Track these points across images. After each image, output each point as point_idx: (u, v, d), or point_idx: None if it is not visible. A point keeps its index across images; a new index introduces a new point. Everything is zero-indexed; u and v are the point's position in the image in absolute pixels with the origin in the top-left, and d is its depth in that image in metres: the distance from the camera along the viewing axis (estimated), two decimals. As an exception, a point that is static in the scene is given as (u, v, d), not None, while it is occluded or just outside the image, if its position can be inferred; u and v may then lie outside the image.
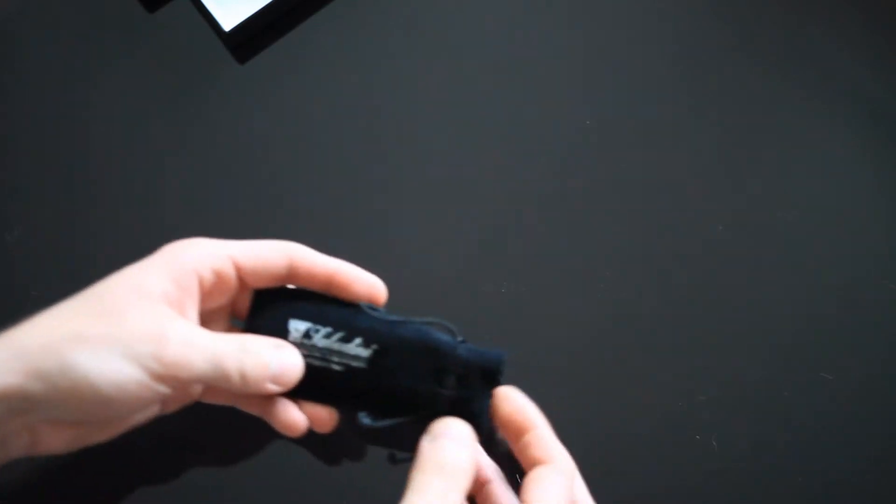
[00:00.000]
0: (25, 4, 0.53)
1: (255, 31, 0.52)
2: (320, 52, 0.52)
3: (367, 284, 0.35)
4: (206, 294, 0.33)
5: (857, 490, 0.44)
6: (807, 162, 0.51)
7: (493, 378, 0.35)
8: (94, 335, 0.28)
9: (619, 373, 0.46)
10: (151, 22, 0.52)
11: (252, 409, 0.36)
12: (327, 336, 0.35)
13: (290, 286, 0.37)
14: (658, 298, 0.47)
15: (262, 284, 0.35)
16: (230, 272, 0.33)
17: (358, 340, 0.35)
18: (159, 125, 0.50)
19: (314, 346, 0.35)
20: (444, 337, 0.36)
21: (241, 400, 0.36)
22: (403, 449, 0.35)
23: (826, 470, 0.44)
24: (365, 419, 0.35)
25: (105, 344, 0.28)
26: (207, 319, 0.35)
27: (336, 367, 0.35)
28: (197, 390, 0.35)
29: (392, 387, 0.35)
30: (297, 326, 0.35)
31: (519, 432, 0.33)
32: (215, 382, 0.31)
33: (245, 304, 0.36)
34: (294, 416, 0.35)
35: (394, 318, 0.37)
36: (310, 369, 0.35)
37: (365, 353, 0.35)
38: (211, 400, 0.36)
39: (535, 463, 0.33)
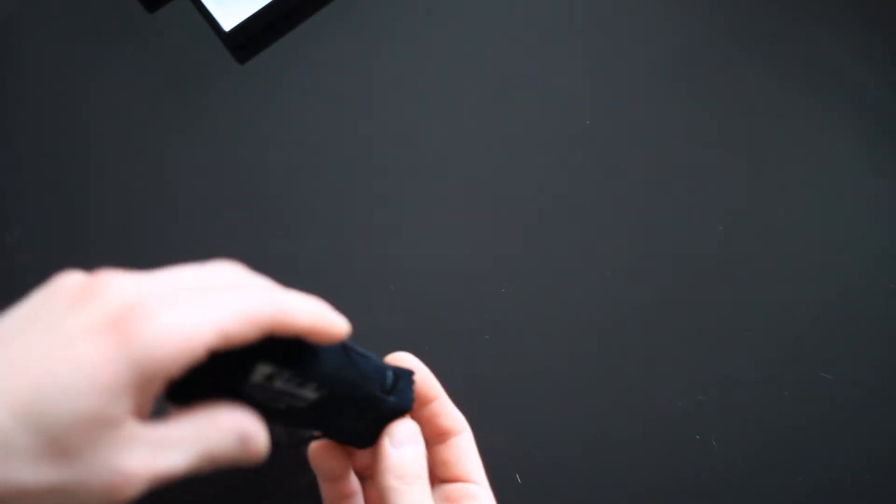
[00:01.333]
0: (25, 4, 0.52)
1: (255, 31, 0.52)
2: (320, 52, 0.52)
3: (333, 334, 0.31)
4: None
5: (857, 490, 0.44)
6: (807, 162, 0.51)
7: (399, 416, 0.34)
8: (46, 489, 0.24)
9: (619, 373, 0.46)
10: (151, 22, 0.52)
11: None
12: (288, 379, 0.32)
13: None
14: (658, 298, 0.47)
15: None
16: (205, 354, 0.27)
17: (312, 385, 0.33)
18: (159, 125, 0.50)
19: (271, 389, 0.32)
20: (380, 377, 0.34)
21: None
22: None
23: (826, 470, 0.44)
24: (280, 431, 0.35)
25: (57, 500, 0.25)
26: None
27: (280, 406, 0.32)
28: None
29: (320, 425, 0.34)
30: (264, 370, 0.31)
31: (422, 402, 0.34)
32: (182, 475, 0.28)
33: None
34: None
35: (344, 345, 0.34)
36: (251, 404, 0.31)
37: (312, 396, 0.33)
38: None
39: (444, 432, 0.33)
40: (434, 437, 0.34)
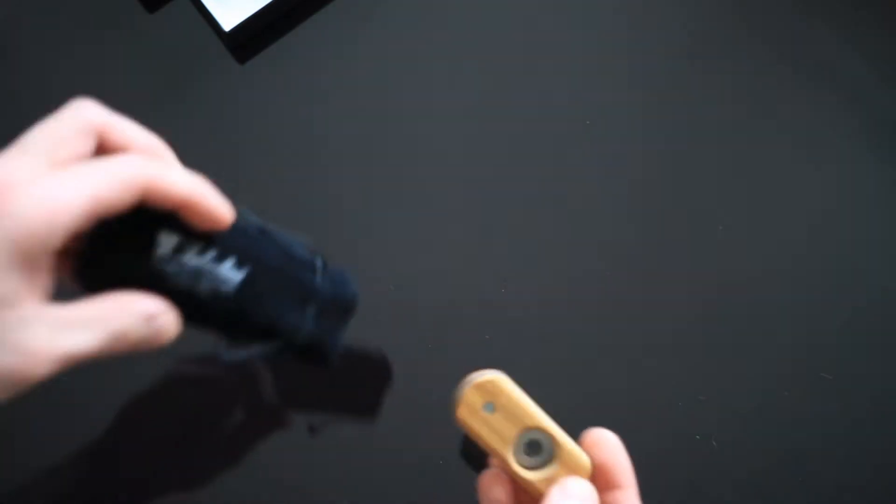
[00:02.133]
0: (25, 4, 0.53)
1: (255, 31, 0.52)
2: (320, 52, 0.52)
3: (215, 212, 0.31)
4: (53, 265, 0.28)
5: (856, 490, 0.44)
6: (807, 162, 0.51)
7: (347, 312, 0.36)
8: None
9: (620, 373, 0.46)
10: (151, 22, 0.52)
11: None
12: (200, 253, 0.31)
13: None
14: (658, 298, 0.47)
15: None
16: (85, 225, 0.27)
17: (231, 261, 0.32)
18: (159, 125, 0.50)
19: (184, 265, 0.30)
20: (307, 259, 0.35)
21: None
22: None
23: (826, 470, 0.44)
24: (224, 355, 0.33)
25: None
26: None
27: (203, 291, 0.31)
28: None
29: (257, 315, 0.33)
30: (168, 240, 0.30)
31: (609, 485, 0.32)
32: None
33: None
34: None
35: (261, 227, 0.35)
36: (174, 294, 0.30)
37: (236, 276, 0.32)
38: None
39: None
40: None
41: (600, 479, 0.32)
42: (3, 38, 0.52)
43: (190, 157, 0.50)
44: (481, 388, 0.32)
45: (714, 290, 0.48)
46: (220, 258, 0.32)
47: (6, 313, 0.25)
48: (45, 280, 0.27)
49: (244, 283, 0.32)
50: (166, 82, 0.51)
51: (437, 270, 0.47)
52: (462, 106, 0.51)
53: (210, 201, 0.31)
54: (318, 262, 0.36)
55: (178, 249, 0.31)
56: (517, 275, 0.47)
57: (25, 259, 0.25)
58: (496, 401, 0.32)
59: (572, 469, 0.32)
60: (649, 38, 0.54)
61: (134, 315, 0.28)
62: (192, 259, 0.31)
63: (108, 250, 0.29)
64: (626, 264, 0.48)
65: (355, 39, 0.52)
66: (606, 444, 0.32)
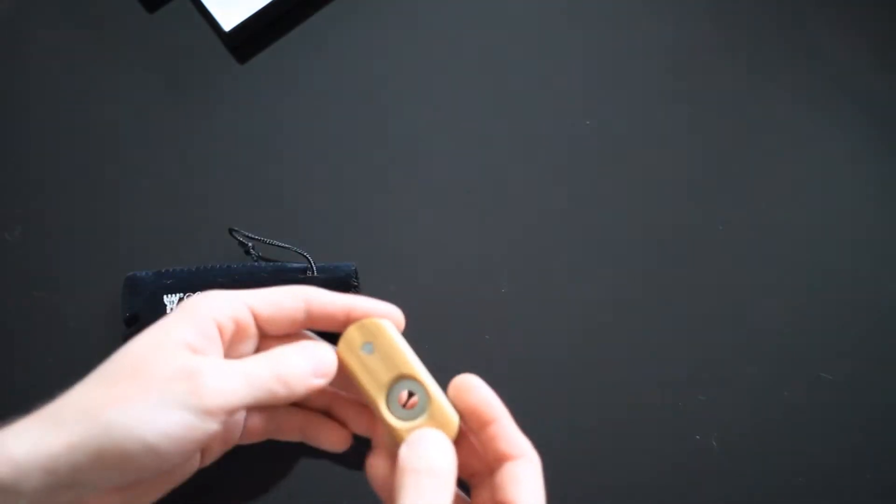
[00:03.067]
0: (26, 4, 0.53)
1: (255, 31, 0.52)
2: (320, 52, 0.52)
3: (384, 314, 0.34)
4: (227, 344, 0.32)
5: (856, 490, 0.44)
6: (807, 162, 0.51)
7: (348, 285, 0.43)
8: (126, 393, 0.28)
9: (620, 373, 0.46)
10: (151, 22, 0.52)
11: (292, 436, 0.35)
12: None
13: (163, 269, 0.43)
14: (658, 298, 0.47)
15: (279, 331, 0.34)
16: (248, 320, 0.32)
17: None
18: (159, 125, 0.50)
19: None
20: (299, 265, 0.43)
21: (282, 426, 0.35)
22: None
23: (826, 470, 0.44)
24: None
25: (140, 397, 0.27)
26: None
27: None
28: (238, 424, 0.34)
29: None
30: (171, 300, 0.42)
31: (482, 424, 0.32)
32: (259, 401, 0.30)
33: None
34: (338, 433, 0.34)
35: (260, 263, 0.44)
36: None
37: None
38: (249, 439, 0.35)
39: (502, 457, 0.32)
40: (494, 462, 0.32)
41: (473, 421, 0.32)
42: (3, 37, 0.52)
43: (190, 157, 0.50)
44: (363, 327, 0.33)
45: (714, 289, 0.48)
46: None
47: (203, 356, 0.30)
48: (217, 353, 0.31)
49: None
50: (166, 82, 0.51)
51: (437, 270, 0.47)
52: (462, 106, 0.51)
53: (372, 308, 0.34)
54: (312, 264, 0.43)
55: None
56: (517, 275, 0.47)
57: (201, 327, 0.31)
58: (375, 342, 0.32)
59: (439, 424, 0.32)
60: (649, 37, 0.54)
61: (283, 348, 0.32)
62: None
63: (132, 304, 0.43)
64: (626, 264, 0.48)
65: (355, 39, 0.52)
66: (468, 387, 0.32)
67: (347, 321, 0.34)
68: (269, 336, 0.34)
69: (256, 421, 0.34)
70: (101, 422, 0.27)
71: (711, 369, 0.46)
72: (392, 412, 0.32)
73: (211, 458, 0.34)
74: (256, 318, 0.33)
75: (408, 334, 0.46)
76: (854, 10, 0.54)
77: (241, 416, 0.34)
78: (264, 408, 0.34)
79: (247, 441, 0.35)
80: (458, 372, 0.45)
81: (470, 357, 0.46)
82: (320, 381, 0.32)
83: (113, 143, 0.50)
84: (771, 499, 0.44)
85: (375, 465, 0.32)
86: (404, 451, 0.30)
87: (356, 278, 0.44)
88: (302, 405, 0.35)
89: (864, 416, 0.45)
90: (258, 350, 0.35)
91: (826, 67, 0.53)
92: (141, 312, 0.43)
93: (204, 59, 0.52)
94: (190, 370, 0.28)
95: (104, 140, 0.50)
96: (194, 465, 0.33)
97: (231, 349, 0.33)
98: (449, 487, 0.29)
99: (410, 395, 0.32)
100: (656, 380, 0.45)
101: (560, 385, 0.45)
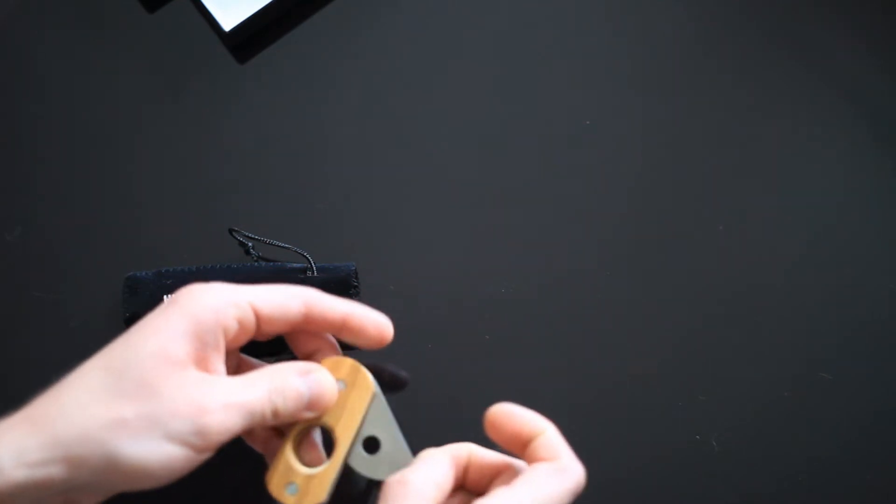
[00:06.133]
0: (26, 4, 0.53)
1: (255, 31, 0.52)
2: (320, 52, 0.52)
3: (376, 325, 0.35)
4: (228, 344, 0.32)
5: (856, 490, 0.44)
6: (807, 161, 0.51)
7: (348, 285, 0.43)
8: (131, 419, 0.28)
9: (619, 373, 0.46)
10: (151, 22, 0.52)
11: (257, 447, 0.36)
12: None
13: (163, 269, 0.43)
14: (658, 298, 0.47)
15: (277, 330, 0.34)
16: (251, 319, 0.33)
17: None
18: (159, 125, 0.50)
19: None
20: (298, 265, 0.43)
21: (253, 438, 0.36)
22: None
23: (826, 470, 0.44)
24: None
25: (145, 428, 0.28)
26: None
27: None
28: None
29: None
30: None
31: (526, 443, 0.32)
32: (249, 429, 0.31)
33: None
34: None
35: (260, 263, 0.44)
36: None
37: None
38: None
39: (538, 461, 0.32)
40: (486, 486, 0.33)
41: (518, 445, 0.33)
42: (3, 37, 0.52)
43: (190, 157, 0.50)
44: (346, 367, 0.34)
45: (714, 289, 0.48)
46: None
47: (181, 373, 0.30)
48: (213, 355, 0.31)
49: None
50: (166, 82, 0.51)
51: (437, 270, 0.47)
52: (462, 106, 0.51)
53: (367, 317, 0.35)
54: (312, 264, 0.43)
55: None
56: (517, 275, 0.47)
57: (196, 332, 0.30)
58: (349, 385, 0.34)
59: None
60: (649, 37, 0.54)
61: (288, 370, 0.32)
62: None
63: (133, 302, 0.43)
64: (627, 264, 0.48)
65: (355, 39, 0.52)
66: (501, 417, 0.33)
67: (343, 328, 0.35)
68: (262, 331, 0.34)
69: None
70: (106, 451, 0.27)
71: (711, 369, 0.46)
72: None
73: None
74: (257, 317, 0.33)
75: (408, 334, 0.46)
76: (854, 11, 0.54)
77: None
78: None
79: None
80: (458, 372, 0.45)
81: (470, 357, 0.46)
82: (312, 415, 0.33)
83: (113, 143, 0.50)
84: (771, 499, 0.44)
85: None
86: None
87: (356, 278, 0.44)
88: None
89: (864, 416, 0.45)
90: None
91: (826, 67, 0.53)
92: (141, 312, 0.43)
93: (204, 59, 0.52)
94: (197, 407, 0.29)
95: (104, 140, 0.50)
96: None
97: (230, 345, 0.33)
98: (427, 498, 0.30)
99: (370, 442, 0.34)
100: (656, 380, 0.45)
101: (560, 385, 0.45)
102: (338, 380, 0.34)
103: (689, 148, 0.51)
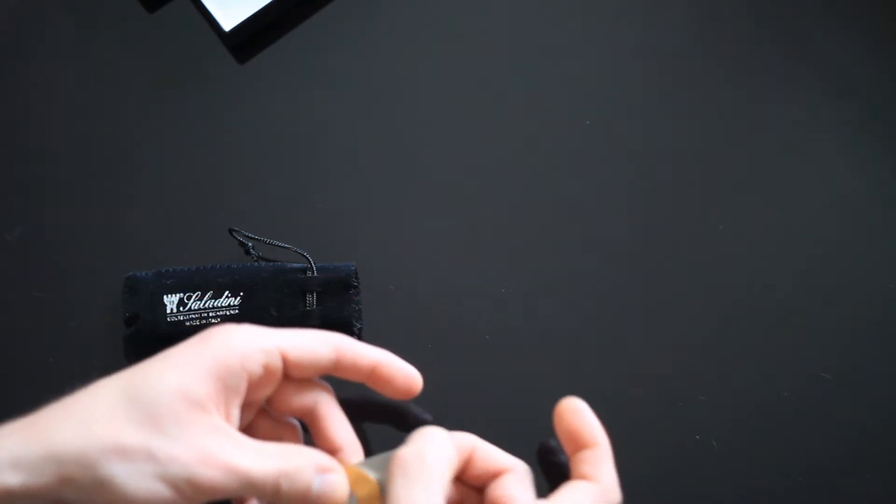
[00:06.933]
0: (25, 4, 0.53)
1: (255, 31, 0.52)
2: (320, 52, 0.52)
3: (405, 376, 0.35)
4: (250, 388, 0.32)
5: (856, 490, 0.44)
6: (807, 161, 0.51)
7: (348, 285, 0.43)
8: (131, 448, 0.28)
9: (619, 372, 0.46)
10: (151, 22, 0.52)
11: None
12: (199, 299, 0.42)
13: (163, 269, 0.44)
14: (658, 298, 0.47)
15: (305, 376, 0.34)
16: (278, 366, 0.32)
17: (226, 293, 0.42)
18: (159, 125, 0.50)
19: (190, 310, 0.42)
20: (298, 265, 0.44)
21: None
22: None
23: (826, 470, 0.44)
24: None
25: (142, 461, 0.28)
26: (244, 408, 0.34)
27: (214, 321, 0.42)
28: None
29: (265, 319, 0.41)
30: (171, 300, 0.42)
31: (579, 446, 0.33)
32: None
33: (282, 396, 0.34)
34: None
35: (260, 263, 0.44)
36: (191, 330, 0.41)
37: (236, 301, 0.42)
38: None
39: (582, 477, 0.32)
40: (483, 481, 0.33)
41: (571, 443, 0.34)
42: (3, 37, 0.52)
43: (190, 157, 0.50)
44: (363, 483, 0.32)
45: (714, 289, 0.48)
46: (217, 295, 0.42)
47: (197, 416, 0.29)
48: (234, 405, 0.31)
49: (244, 302, 0.42)
50: (166, 82, 0.51)
51: (437, 270, 0.47)
52: (462, 106, 0.51)
53: (396, 367, 0.35)
54: (312, 264, 0.43)
55: (181, 304, 0.42)
56: (517, 275, 0.47)
57: (221, 374, 0.30)
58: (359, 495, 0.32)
59: None
60: (649, 37, 0.54)
61: (306, 460, 0.31)
62: (194, 304, 0.42)
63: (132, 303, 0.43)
64: (627, 264, 0.48)
65: (355, 39, 0.52)
66: (571, 411, 0.34)
67: (373, 375, 0.34)
68: (289, 377, 0.34)
69: None
70: (98, 474, 0.27)
71: (711, 369, 0.46)
72: None
73: None
74: (285, 363, 0.32)
75: (408, 334, 0.46)
76: (854, 11, 0.54)
77: None
78: None
79: None
80: (458, 372, 0.45)
81: (470, 357, 0.46)
82: None
83: (112, 143, 0.50)
84: (771, 498, 0.44)
85: None
86: (399, 451, 0.31)
87: (356, 278, 0.44)
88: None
89: (864, 416, 0.45)
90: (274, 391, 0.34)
91: (826, 67, 0.53)
92: (141, 312, 0.43)
93: (204, 59, 0.52)
94: (200, 458, 0.28)
95: (104, 140, 0.50)
96: None
97: (252, 391, 0.32)
98: (438, 475, 0.30)
99: None
100: (656, 380, 0.45)
101: (559, 384, 0.45)
102: (352, 494, 0.32)
103: (689, 148, 0.51)
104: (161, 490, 0.28)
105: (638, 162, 0.50)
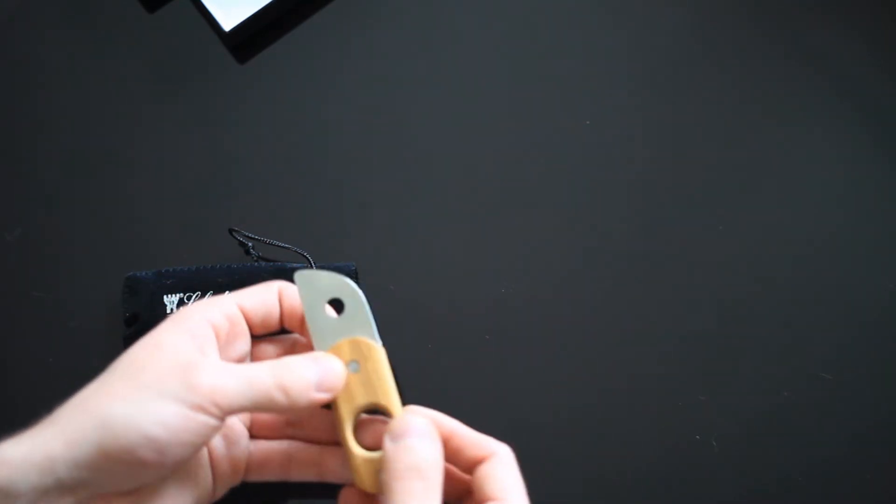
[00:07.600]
0: (25, 4, 0.53)
1: (255, 31, 0.52)
2: (320, 52, 0.52)
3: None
4: (223, 343, 0.32)
5: (856, 490, 0.44)
6: (807, 161, 0.51)
7: None
8: (122, 391, 0.28)
9: (619, 372, 0.46)
10: (151, 22, 0.52)
11: (306, 472, 0.34)
12: (199, 299, 0.42)
13: (163, 269, 0.44)
14: (659, 298, 0.47)
15: (264, 329, 0.34)
16: (239, 316, 0.33)
17: (226, 293, 0.40)
18: (159, 125, 0.50)
19: None
20: (298, 265, 0.43)
21: (296, 458, 0.35)
22: None
23: (826, 470, 0.44)
24: None
25: (136, 393, 0.28)
26: None
27: None
28: (243, 440, 0.34)
29: None
30: (171, 300, 0.42)
31: (472, 462, 0.32)
32: (257, 406, 0.30)
33: (259, 355, 0.35)
34: None
35: (260, 263, 0.44)
36: None
37: None
38: (260, 473, 0.35)
39: (475, 462, 0.31)
40: (468, 468, 0.32)
41: (463, 462, 0.32)
42: (3, 37, 0.52)
43: (190, 157, 0.50)
44: (356, 344, 0.32)
45: (714, 289, 0.48)
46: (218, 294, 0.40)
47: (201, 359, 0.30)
48: (214, 347, 0.31)
49: None
50: (166, 82, 0.51)
51: (437, 270, 0.47)
52: (462, 106, 0.51)
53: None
54: (312, 264, 0.43)
55: (181, 304, 0.42)
56: (517, 275, 0.47)
57: (195, 329, 0.31)
58: (364, 364, 0.32)
59: None
60: (649, 37, 0.54)
61: (297, 358, 0.32)
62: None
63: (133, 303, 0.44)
64: (627, 264, 0.48)
65: (355, 39, 0.52)
66: (417, 412, 0.32)
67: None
68: (260, 338, 0.34)
69: (265, 449, 0.34)
70: (98, 416, 0.27)
71: (711, 369, 0.46)
72: (357, 438, 0.32)
73: (222, 488, 0.33)
74: (245, 315, 0.33)
75: (408, 334, 0.46)
76: (854, 11, 0.54)
77: (244, 435, 0.34)
78: (273, 433, 0.34)
79: (257, 477, 0.34)
80: (458, 372, 0.45)
81: (470, 357, 0.46)
82: (324, 396, 0.31)
83: (112, 143, 0.50)
84: (771, 499, 0.44)
85: (348, 497, 0.32)
86: (390, 448, 0.30)
87: (356, 278, 0.44)
88: (315, 438, 0.35)
89: (865, 416, 0.45)
90: (253, 354, 0.35)
91: (826, 67, 0.53)
92: (141, 312, 0.43)
93: (204, 59, 0.52)
94: (185, 365, 0.29)
95: (104, 140, 0.50)
96: (205, 487, 0.32)
97: (226, 348, 0.33)
98: (437, 484, 0.29)
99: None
100: (656, 379, 0.45)
101: (559, 385, 0.45)
102: (349, 362, 0.32)
103: (689, 148, 0.51)
104: (163, 406, 0.28)
105: (638, 162, 0.50)
